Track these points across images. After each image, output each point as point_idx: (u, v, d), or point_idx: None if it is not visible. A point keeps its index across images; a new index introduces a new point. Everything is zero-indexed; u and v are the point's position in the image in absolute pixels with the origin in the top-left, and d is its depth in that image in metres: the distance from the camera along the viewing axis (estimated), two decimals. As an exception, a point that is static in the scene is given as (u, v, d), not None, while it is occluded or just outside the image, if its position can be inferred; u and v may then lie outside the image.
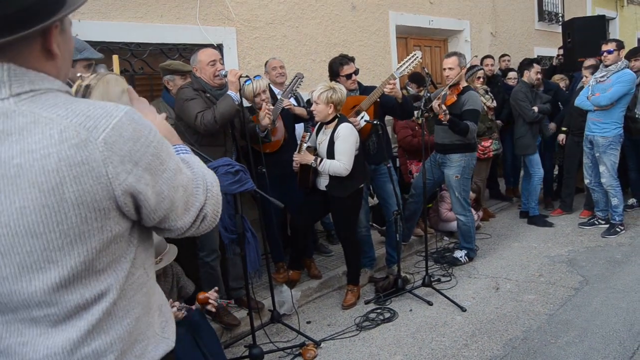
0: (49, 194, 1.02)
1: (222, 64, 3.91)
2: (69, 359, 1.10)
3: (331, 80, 4.47)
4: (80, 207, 1.04)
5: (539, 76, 6.43)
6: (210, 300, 3.23)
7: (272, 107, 4.12)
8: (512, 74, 7.33)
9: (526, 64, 6.54)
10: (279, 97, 4.48)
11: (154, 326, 1.27)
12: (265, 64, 5.04)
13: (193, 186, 1.24)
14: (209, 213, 1.28)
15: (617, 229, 5.72)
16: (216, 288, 3.41)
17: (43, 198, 1.02)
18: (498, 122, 6.62)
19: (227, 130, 3.93)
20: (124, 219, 1.13)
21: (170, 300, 3.08)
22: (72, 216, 1.04)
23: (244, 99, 3.81)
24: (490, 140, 6.22)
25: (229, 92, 3.73)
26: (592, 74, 5.96)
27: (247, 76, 3.83)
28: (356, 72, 4.54)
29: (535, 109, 6.07)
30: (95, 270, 1.10)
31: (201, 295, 3.26)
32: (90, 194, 1.04)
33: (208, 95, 3.81)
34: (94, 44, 4.26)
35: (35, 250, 1.05)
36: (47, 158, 1.01)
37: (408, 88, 6.51)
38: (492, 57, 7.62)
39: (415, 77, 6.55)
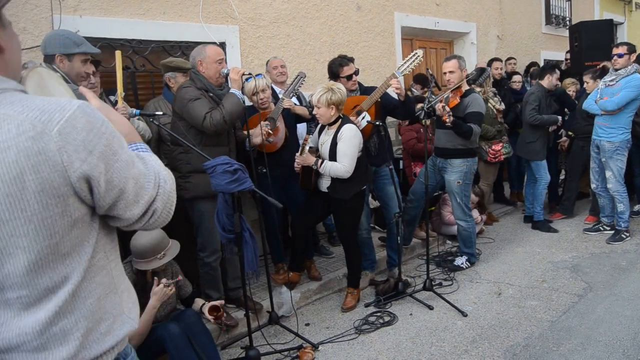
0: (11, 184, 1.11)
1: (226, 63, 3.84)
2: (40, 338, 1.20)
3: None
4: (41, 195, 1.13)
5: (558, 82, 6.31)
6: (219, 314, 3.32)
7: (269, 130, 4.05)
8: (516, 77, 7.26)
9: (548, 68, 6.38)
10: (280, 96, 4.43)
11: (121, 306, 1.37)
12: (267, 63, 5.00)
13: (144, 180, 1.31)
14: (159, 208, 1.34)
15: (623, 236, 5.64)
16: (222, 302, 3.45)
17: (6, 188, 1.11)
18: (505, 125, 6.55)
19: (230, 130, 3.86)
20: (82, 204, 1.21)
21: (155, 279, 3.09)
22: (34, 203, 1.13)
23: (244, 97, 3.76)
24: (500, 144, 6.13)
25: (232, 90, 3.65)
26: (592, 78, 5.90)
27: (249, 74, 3.78)
28: (356, 72, 4.48)
29: (545, 117, 5.99)
30: (60, 254, 1.20)
31: (214, 310, 3.36)
32: (49, 181, 1.13)
33: (211, 94, 3.69)
34: (95, 40, 4.24)
35: (3, 237, 1.14)
36: (6, 151, 1.10)
37: (412, 89, 6.45)
38: (501, 60, 7.55)
39: (420, 78, 6.49)
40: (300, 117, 4.52)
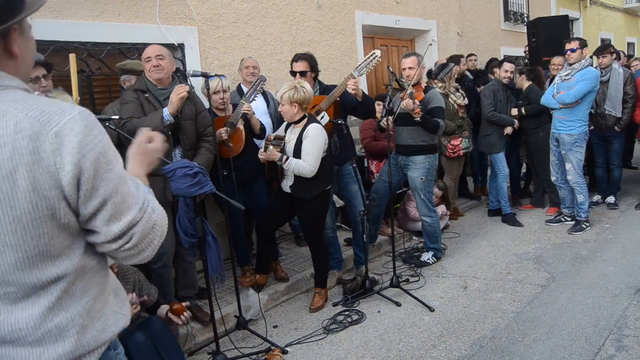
0: (2, 181, 1.11)
1: (162, 59, 3.72)
2: (34, 333, 1.21)
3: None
4: (31, 194, 1.13)
5: (509, 74, 6.39)
6: (184, 314, 3.21)
7: (228, 135, 4.01)
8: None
9: (496, 62, 6.54)
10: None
11: (111, 305, 1.40)
12: (241, 62, 5.02)
13: (132, 200, 1.29)
14: (137, 233, 1.30)
15: (583, 226, 5.77)
16: (187, 303, 3.34)
17: None
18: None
19: (182, 136, 3.78)
20: (72, 211, 1.21)
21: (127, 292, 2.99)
22: (24, 202, 1.13)
23: (203, 95, 3.72)
24: (460, 139, 6.19)
25: (163, 110, 3.57)
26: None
27: (192, 87, 3.76)
28: (302, 73, 4.36)
29: (503, 116, 6.13)
30: (49, 255, 1.20)
31: (176, 306, 3.20)
32: (40, 182, 1.13)
33: (147, 95, 3.67)
34: (47, 44, 4.12)
35: None
36: (2, 147, 1.11)
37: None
38: (463, 56, 7.63)
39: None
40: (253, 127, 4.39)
